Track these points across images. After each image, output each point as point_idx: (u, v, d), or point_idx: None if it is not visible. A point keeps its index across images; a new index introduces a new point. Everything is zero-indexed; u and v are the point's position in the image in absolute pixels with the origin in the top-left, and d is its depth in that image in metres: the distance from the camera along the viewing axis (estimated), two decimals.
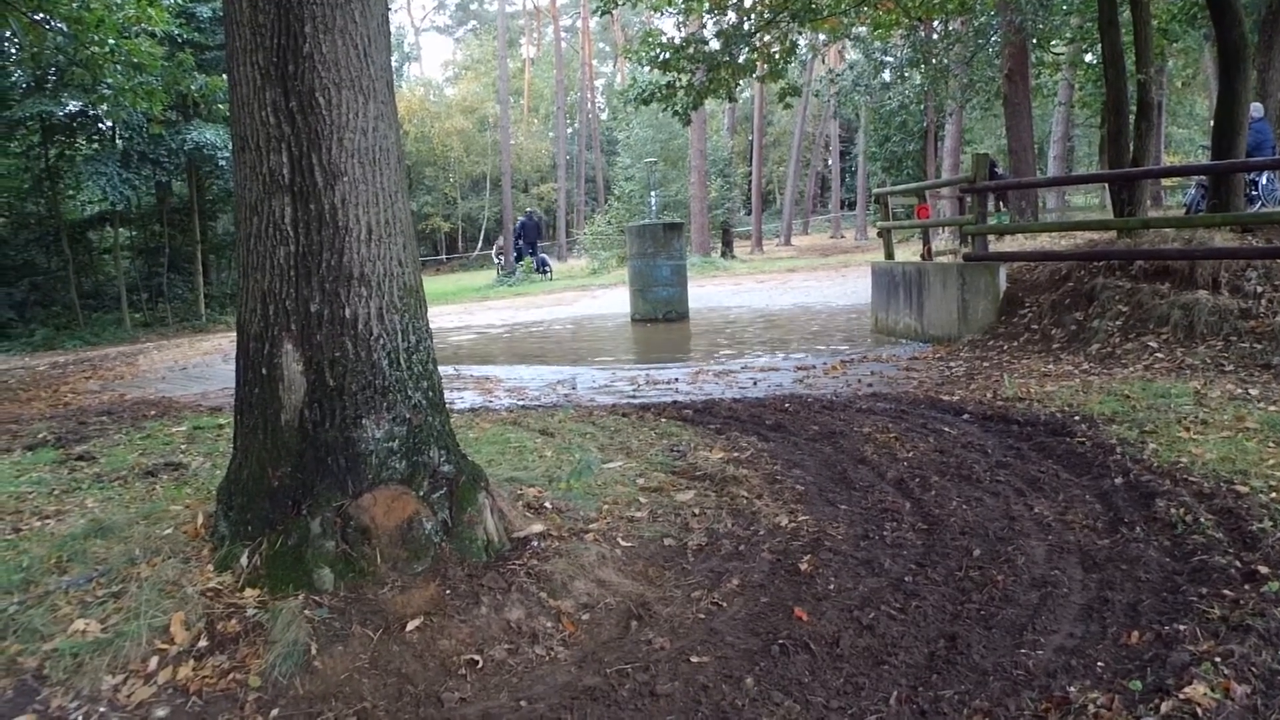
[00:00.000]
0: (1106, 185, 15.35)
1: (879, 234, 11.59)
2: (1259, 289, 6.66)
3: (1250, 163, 9.05)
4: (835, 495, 3.90)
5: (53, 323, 18.52)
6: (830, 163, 48.49)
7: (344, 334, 2.96)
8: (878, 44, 22.69)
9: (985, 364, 7.02)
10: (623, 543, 3.32)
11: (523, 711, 2.36)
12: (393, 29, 5.26)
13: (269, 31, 2.88)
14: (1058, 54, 20.18)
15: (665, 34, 13.86)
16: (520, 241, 27.17)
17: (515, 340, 13.00)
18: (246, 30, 2.91)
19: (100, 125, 18.70)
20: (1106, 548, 3.13)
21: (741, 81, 14.96)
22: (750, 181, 38.00)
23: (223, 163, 17.84)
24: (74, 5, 10.81)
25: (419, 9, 74.25)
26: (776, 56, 13.85)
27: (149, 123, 15.52)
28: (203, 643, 2.62)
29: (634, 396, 6.79)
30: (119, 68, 12.33)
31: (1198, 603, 2.58)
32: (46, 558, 3.17)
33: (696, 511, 3.67)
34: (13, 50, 16.89)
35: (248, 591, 2.82)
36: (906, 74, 24.34)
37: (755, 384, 7.08)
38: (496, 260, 29.19)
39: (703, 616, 2.81)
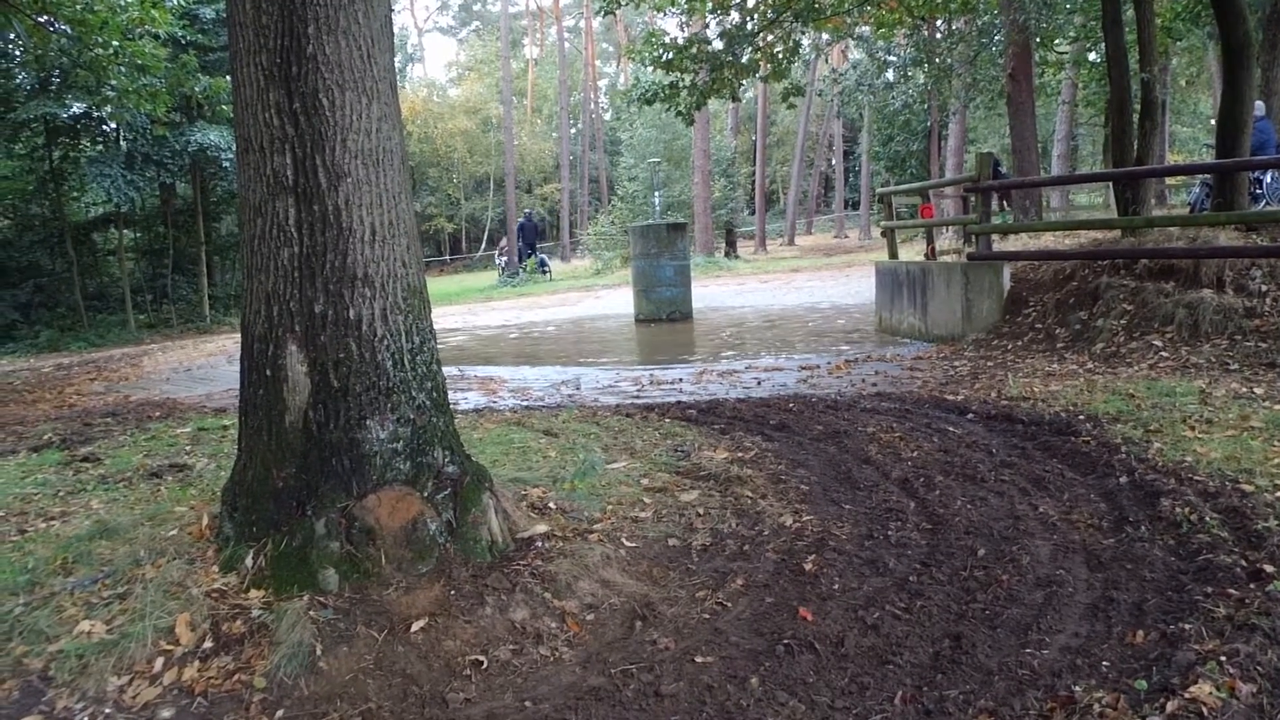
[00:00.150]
0: (1110, 184, 15.32)
1: (883, 234, 11.56)
2: (1264, 288, 6.65)
3: (1255, 161, 9.01)
4: (840, 495, 3.90)
5: (57, 324, 18.58)
6: (834, 162, 48.49)
7: (348, 335, 2.96)
8: (881, 43, 22.63)
9: (989, 363, 7.02)
10: (627, 543, 3.32)
11: (528, 712, 2.36)
12: (396, 30, 5.27)
13: (272, 33, 2.88)
14: (1061, 53, 20.12)
15: (668, 34, 13.88)
16: (519, 242, 27.25)
17: (519, 341, 13.00)
18: (250, 31, 2.91)
19: (104, 127, 18.79)
20: (1111, 547, 3.12)
21: (745, 81, 14.96)
22: (754, 181, 38.01)
23: (227, 164, 17.89)
24: (78, 7, 10.85)
25: (422, 10, 74.43)
26: (780, 56, 13.85)
27: (153, 124, 15.60)
28: (208, 644, 2.63)
29: (638, 397, 6.79)
30: (123, 69, 12.39)
31: (1203, 602, 2.58)
32: (52, 559, 3.18)
33: (701, 511, 3.67)
34: (17, 52, 16.96)
35: (253, 592, 2.82)
36: (910, 73, 24.26)
37: (759, 384, 7.08)
38: (499, 261, 29.25)
39: (707, 617, 2.81)
